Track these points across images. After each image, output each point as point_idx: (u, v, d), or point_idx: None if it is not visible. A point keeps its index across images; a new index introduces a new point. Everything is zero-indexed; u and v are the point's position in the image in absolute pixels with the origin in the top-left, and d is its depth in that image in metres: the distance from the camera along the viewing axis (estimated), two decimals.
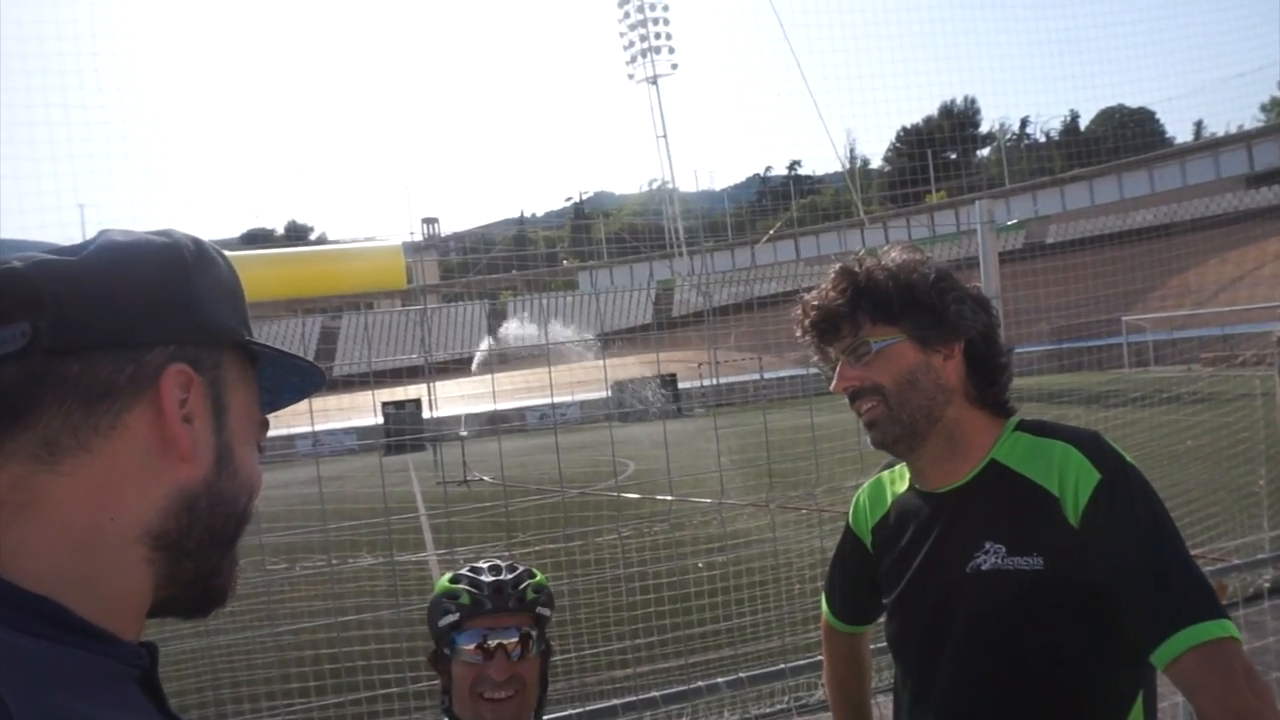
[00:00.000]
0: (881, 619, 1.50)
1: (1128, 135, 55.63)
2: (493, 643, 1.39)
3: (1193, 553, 1.21)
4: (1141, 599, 1.14)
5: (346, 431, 22.26)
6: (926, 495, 1.37)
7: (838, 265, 1.36)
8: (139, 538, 0.57)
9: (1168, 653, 1.10)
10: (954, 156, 65.22)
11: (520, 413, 23.78)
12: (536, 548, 5.02)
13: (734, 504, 8.26)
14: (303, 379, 0.72)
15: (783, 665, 2.80)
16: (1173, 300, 32.89)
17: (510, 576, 1.45)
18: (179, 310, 0.60)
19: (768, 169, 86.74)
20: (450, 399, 22.15)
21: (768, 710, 4.35)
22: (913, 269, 1.32)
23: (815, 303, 1.35)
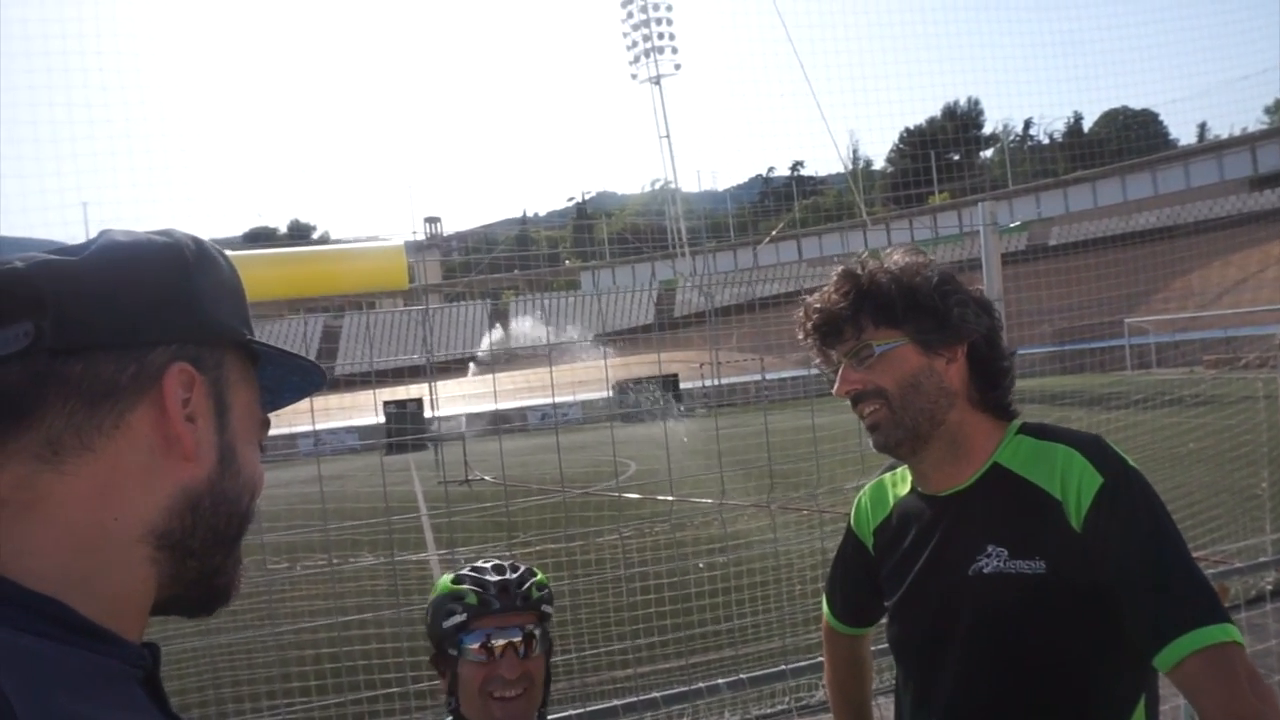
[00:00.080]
0: (883, 621, 1.50)
1: (1131, 137, 55.50)
2: (501, 642, 1.39)
3: (1195, 555, 1.21)
4: (1144, 602, 1.14)
5: (348, 431, 22.26)
6: (929, 498, 1.37)
7: (840, 268, 1.35)
8: (143, 537, 0.57)
9: (1170, 656, 1.10)
10: (957, 158, 65.14)
11: (522, 412, 23.79)
12: (538, 548, 5.02)
13: (735, 505, 8.25)
14: (303, 378, 0.72)
15: (784, 666, 2.80)
16: (1176, 302, 32.84)
17: (514, 576, 1.46)
18: (181, 309, 0.60)
19: (770, 169, 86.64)
20: (452, 398, 22.16)
21: (769, 711, 4.35)
22: (915, 272, 1.31)
23: (817, 305, 1.35)
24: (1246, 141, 47.98)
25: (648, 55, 65.53)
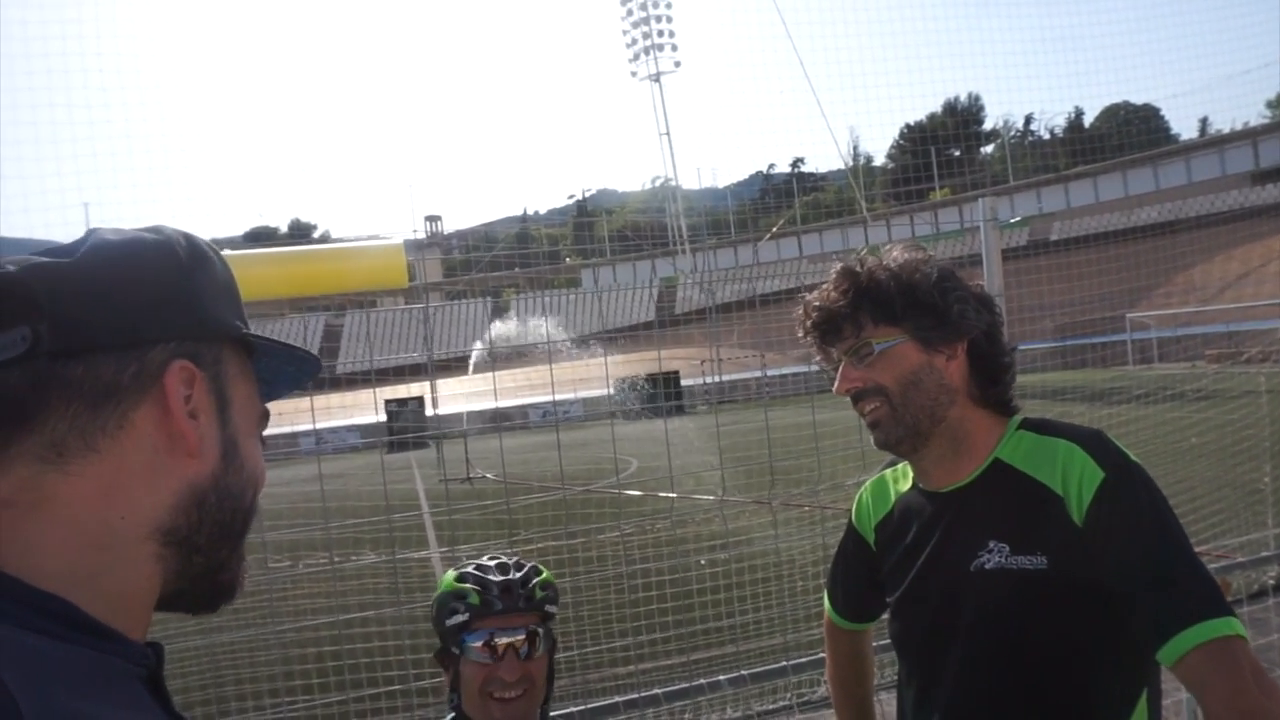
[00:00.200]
0: (884, 617, 1.50)
1: (1132, 132, 55.41)
2: (502, 642, 1.39)
3: (1197, 550, 1.20)
4: (1147, 597, 1.14)
5: (349, 429, 22.24)
6: (930, 494, 1.37)
7: (839, 265, 1.35)
8: (150, 534, 0.57)
9: (1174, 651, 1.10)
10: (958, 153, 65.11)
11: (523, 410, 23.80)
12: (539, 545, 5.02)
13: (736, 501, 8.26)
14: (298, 368, 0.72)
15: (785, 662, 2.80)
16: (1177, 297, 32.81)
17: (518, 576, 1.45)
18: (178, 307, 0.60)
19: (771, 166, 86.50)
20: (453, 396, 22.16)
21: (770, 707, 4.34)
22: (915, 269, 1.31)
23: (817, 303, 1.35)
24: (1248, 136, 47.90)
25: (647, 52, 65.40)
